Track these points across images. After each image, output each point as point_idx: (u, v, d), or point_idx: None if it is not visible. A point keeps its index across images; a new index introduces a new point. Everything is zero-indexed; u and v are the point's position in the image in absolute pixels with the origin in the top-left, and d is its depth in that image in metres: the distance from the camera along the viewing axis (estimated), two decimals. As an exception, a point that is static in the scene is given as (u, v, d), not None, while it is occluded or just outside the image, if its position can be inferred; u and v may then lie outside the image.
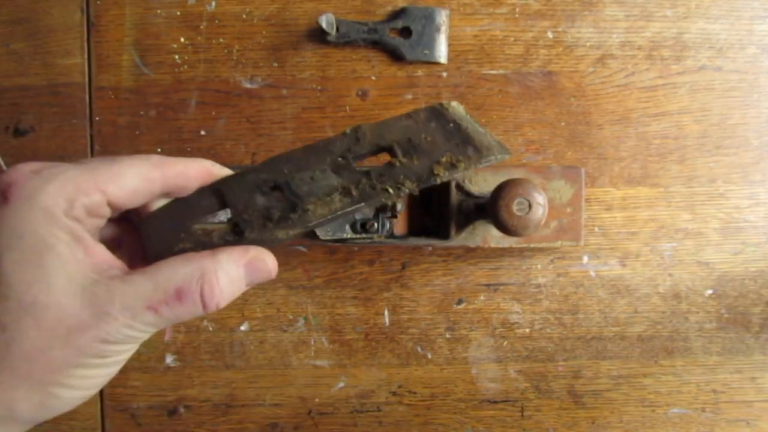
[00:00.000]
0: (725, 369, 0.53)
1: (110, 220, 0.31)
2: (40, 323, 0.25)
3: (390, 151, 0.32)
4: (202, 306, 0.28)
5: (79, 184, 0.27)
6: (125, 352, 0.29)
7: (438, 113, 0.32)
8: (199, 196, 0.32)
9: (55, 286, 0.26)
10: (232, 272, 0.29)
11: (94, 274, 0.27)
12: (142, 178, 0.29)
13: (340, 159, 0.32)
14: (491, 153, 0.31)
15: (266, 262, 0.30)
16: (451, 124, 0.32)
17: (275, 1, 0.52)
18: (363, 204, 0.31)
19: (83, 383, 0.28)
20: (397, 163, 0.31)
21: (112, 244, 0.32)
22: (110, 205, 0.29)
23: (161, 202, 0.32)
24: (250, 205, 0.31)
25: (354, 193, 0.31)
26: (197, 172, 0.31)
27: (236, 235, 0.31)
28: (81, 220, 0.28)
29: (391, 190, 0.31)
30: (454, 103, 0.33)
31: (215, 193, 0.32)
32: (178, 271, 0.28)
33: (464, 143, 0.31)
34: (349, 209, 0.31)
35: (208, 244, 0.31)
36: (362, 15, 0.52)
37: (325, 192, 0.31)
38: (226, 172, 0.32)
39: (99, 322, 0.26)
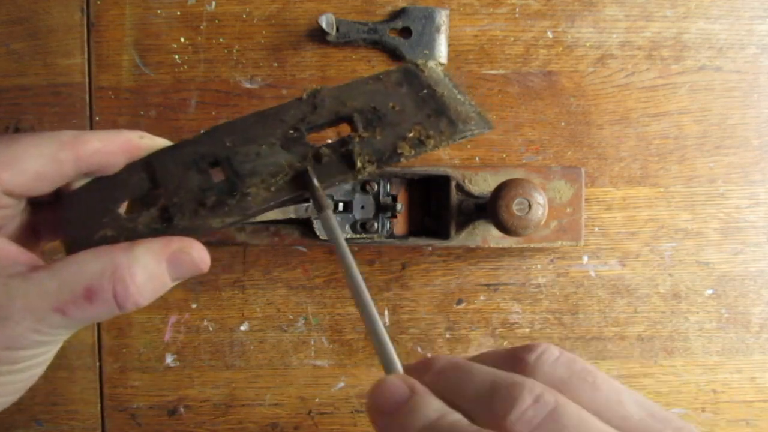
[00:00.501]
0: (725, 369, 0.53)
1: (34, 204, 0.28)
2: None
3: (350, 121, 0.27)
4: (117, 306, 0.25)
5: None
6: (41, 355, 0.26)
7: (412, 76, 0.28)
8: (128, 173, 0.27)
9: None
10: (151, 267, 0.25)
11: None
12: (46, 160, 0.25)
13: (291, 131, 0.27)
14: (467, 126, 0.26)
15: (192, 255, 0.26)
16: (425, 90, 0.27)
17: (275, 1, 0.52)
18: (318, 196, 0.26)
19: None
20: (356, 138, 0.27)
21: (29, 235, 0.28)
22: (9, 193, 0.25)
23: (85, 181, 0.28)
24: (182, 186, 0.27)
25: (303, 173, 0.26)
26: (119, 146, 0.27)
27: (164, 222, 0.27)
28: None
29: (348, 171, 0.26)
30: (431, 64, 0.28)
31: (146, 168, 0.27)
32: (87, 266, 0.24)
33: (437, 114, 0.26)
34: (295, 194, 0.26)
35: (131, 231, 0.26)
36: (362, 15, 0.52)
37: (270, 171, 0.26)
38: (160, 142, 0.28)
39: (1, 328, 0.23)
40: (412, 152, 0.26)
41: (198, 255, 0.27)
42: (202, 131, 0.28)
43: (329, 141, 0.27)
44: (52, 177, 0.26)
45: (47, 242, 0.30)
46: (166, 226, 0.27)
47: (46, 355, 0.26)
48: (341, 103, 0.27)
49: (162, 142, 0.28)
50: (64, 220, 0.27)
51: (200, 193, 0.27)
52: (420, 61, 0.28)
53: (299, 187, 0.26)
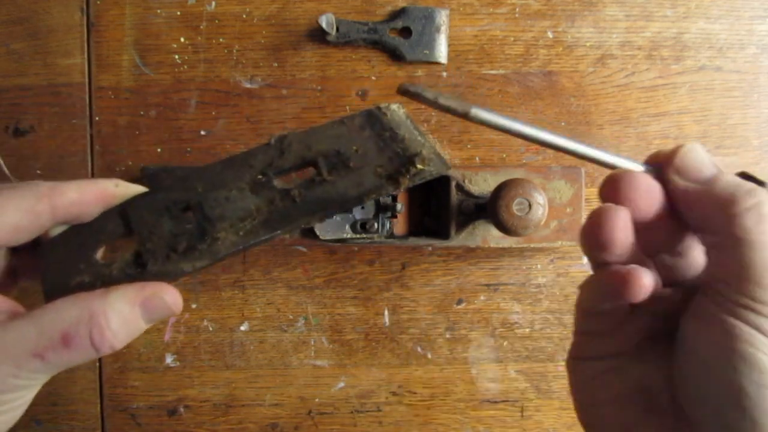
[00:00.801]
0: (725, 369, 0.53)
1: (13, 249, 0.29)
2: None
3: (315, 165, 0.28)
4: (94, 350, 0.26)
5: None
6: (19, 399, 0.27)
7: (374, 119, 0.29)
8: (104, 220, 0.29)
9: None
10: (125, 312, 0.26)
11: None
12: (23, 214, 0.26)
13: (260, 176, 0.28)
14: (426, 168, 0.27)
15: (165, 299, 0.27)
16: (387, 133, 0.28)
17: (275, 1, 0.52)
18: (280, 232, 0.27)
19: None
20: (321, 181, 0.28)
21: (7, 278, 0.29)
22: None
23: (60, 229, 0.29)
24: (155, 231, 0.28)
25: (269, 216, 0.28)
26: (95, 196, 0.28)
27: (138, 267, 0.28)
28: None
29: (312, 215, 0.27)
30: (394, 106, 0.29)
31: (121, 215, 0.29)
32: (64, 313, 0.25)
33: (398, 156, 0.28)
34: (265, 237, 0.28)
35: (107, 277, 0.28)
36: (362, 15, 0.52)
37: (239, 216, 0.28)
38: (134, 189, 0.29)
39: None
40: (375, 195, 0.27)
41: (170, 299, 0.28)
42: (174, 178, 0.29)
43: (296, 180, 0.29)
44: (29, 229, 0.27)
45: (24, 282, 0.31)
46: (140, 271, 0.28)
47: (24, 398, 0.27)
48: (307, 148, 0.29)
49: (136, 189, 0.29)
50: (43, 266, 0.28)
51: (172, 238, 0.28)
52: (383, 104, 0.29)
53: (268, 230, 0.28)
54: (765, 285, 0.23)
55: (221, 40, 0.52)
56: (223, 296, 0.52)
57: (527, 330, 0.53)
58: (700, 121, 0.52)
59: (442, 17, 0.51)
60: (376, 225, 0.48)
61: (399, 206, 0.49)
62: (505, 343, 0.53)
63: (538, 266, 0.52)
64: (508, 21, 0.52)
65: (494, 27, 0.52)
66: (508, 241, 0.50)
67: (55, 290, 0.28)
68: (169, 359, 0.53)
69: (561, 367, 0.53)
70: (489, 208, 0.45)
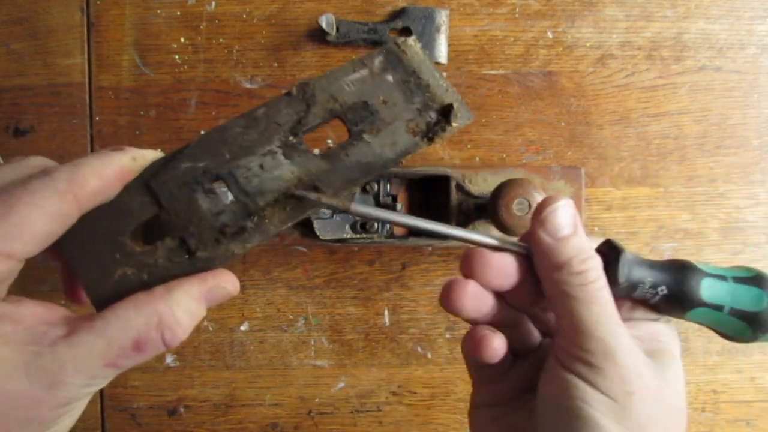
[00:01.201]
0: (725, 369, 0.53)
1: None
2: None
3: (344, 119, 0.27)
4: (165, 347, 0.26)
5: None
6: (87, 396, 0.27)
7: (394, 59, 0.27)
8: (128, 199, 0.26)
9: None
10: (192, 308, 0.27)
11: (33, 346, 0.24)
12: (51, 219, 0.24)
13: (291, 137, 0.27)
14: (457, 123, 0.27)
15: (226, 287, 0.28)
16: (411, 79, 0.27)
17: (275, 1, 0.52)
18: (325, 202, 0.26)
19: None
20: (356, 143, 0.27)
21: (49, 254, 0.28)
22: (22, 258, 0.25)
23: None
24: (193, 212, 0.26)
25: (315, 187, 0.26)
26: (115, 177, 0.26)
27: (186, 253, 0.26)
28: None
29: (354, 182, 0.26)
30: (410, 41, 0.28)
31: (145, 191, 0.27)
32: (132, 322, 0.25)
33: (426, 108, 0.27)
34: (311, 211, 0.26)
35: (153, 267, 0.26)
36: (362, 15, 0.52)
37: (280, 189, 0.26)
38: (150, 156, 0.27)
39: (55, 392, 0.24)
40: (408, 156, 0.27)
41: (231, 286, 0.28)
42: (193, 141, 0.27)
43: (329, 142, 0.28)
44: (60, 232, 0.25)
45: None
46: (188, 258, 0.27)
47: (91, 395, 0.27)
48: (332, 98, 0.27)
49: (152, 155, 0.27)
50: (73, 258, 0.27)
51: (214, 218, 0.26)
52: (400, 40, 0.28)
53: (313, 204, 0.26)
54: (595, 336, 0.25)
55: (221, 40, 0.52)
56: (223, 296, 0.52)
57: (527, 330, 0.53)
58: (700, 121, 0.52)
59: (442, 17, 0.51)
60: (376, 225, 0.48)
61: (399, 206, 0.49)
62: (505, 343, 0.53)
63: (538, 266, 0.52)
64: (508, 21, 0.52)
65: (494, 27, 0.52)
66: (508, 241, 0.49)
67: (99, 288, 0.26)
68: (169, 359, 0.53)
69: (561, 367, 0.53)
70: (489, 208, 0.45)
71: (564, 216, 0.27)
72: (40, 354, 0.24)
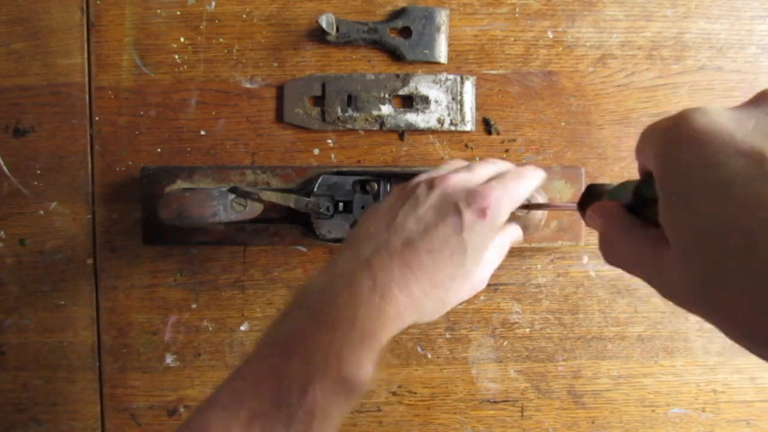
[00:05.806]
0: (725, 369, 0.53)
1: None
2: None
3: None
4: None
5: None
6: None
7: None
8: None
9: None
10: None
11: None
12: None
13: None
14: None
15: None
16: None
17: (275, 1, 0.52)
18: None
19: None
20: None
21: None
22: None
23: None
24: None
25: None
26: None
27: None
28: None
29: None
30: None
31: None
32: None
33: None
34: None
35: None
36: (362, 15, 0.51)
37: None
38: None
39: None
40: None
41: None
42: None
43: None
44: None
45: None
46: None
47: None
48: None
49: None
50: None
51: None
52: None
53: None
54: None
55: (221, 40, 0.52)
56: (223, 296, 0.52)
57: (527, 330, 0.53)
58: (700, 121, 0.52)
59: (442, 17, 0.51)
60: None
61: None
62: (505, 343, 0.53)
63: (538, 266, 0.52)
64: (508, 21, 0.52)
65: (494, 27, 0.52)
66: (508, 241, 0.49)
67: None
68: (169, 359, 0.53)
69: (561, 367, 0.53)
70: (489, 208, 0.45)
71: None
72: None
